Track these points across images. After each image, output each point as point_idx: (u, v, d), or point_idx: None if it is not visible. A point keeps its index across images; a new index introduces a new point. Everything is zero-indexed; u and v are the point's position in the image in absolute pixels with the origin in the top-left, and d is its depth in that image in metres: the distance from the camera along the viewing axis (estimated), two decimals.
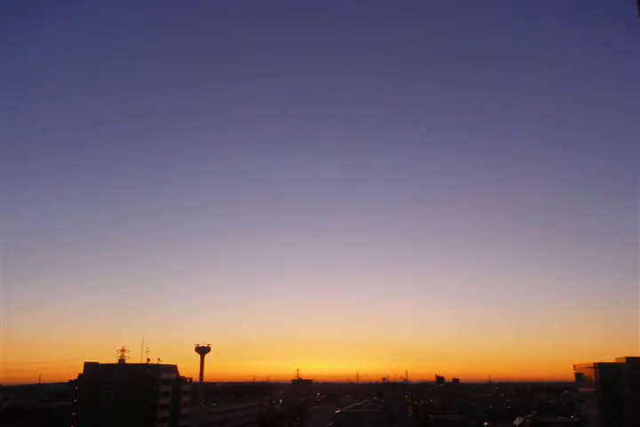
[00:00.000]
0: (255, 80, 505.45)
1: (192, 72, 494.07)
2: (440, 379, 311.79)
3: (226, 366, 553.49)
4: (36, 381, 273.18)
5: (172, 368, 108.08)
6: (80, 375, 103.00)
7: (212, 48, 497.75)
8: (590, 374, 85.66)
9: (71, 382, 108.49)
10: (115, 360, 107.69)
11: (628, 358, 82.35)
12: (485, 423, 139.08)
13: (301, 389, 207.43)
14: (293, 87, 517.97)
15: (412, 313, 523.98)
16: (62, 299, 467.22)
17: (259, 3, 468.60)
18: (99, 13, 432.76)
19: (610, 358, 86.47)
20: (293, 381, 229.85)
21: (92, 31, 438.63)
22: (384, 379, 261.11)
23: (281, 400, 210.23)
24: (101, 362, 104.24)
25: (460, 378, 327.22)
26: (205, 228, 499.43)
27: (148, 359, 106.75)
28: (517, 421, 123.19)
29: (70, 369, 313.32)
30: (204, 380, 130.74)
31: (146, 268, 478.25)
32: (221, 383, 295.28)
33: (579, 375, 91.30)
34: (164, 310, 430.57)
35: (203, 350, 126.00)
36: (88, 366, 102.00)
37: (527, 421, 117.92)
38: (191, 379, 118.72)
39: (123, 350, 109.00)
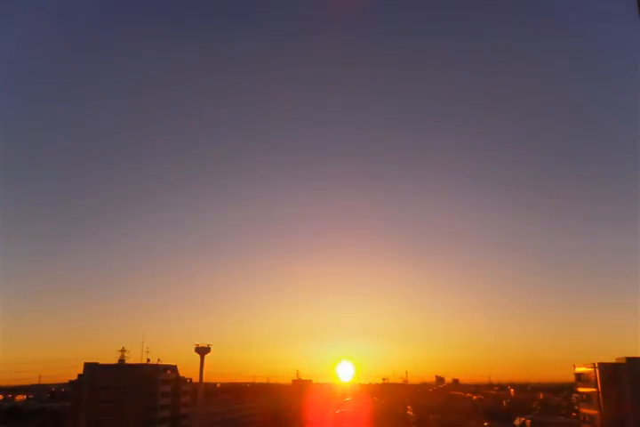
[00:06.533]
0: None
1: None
2: (440, 379, 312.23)
3: (226, 366, 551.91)
4: (36, 381, 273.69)
5: (172, 368, 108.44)
6: (80, 375, 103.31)
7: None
8: (590, 374, 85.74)
9: (71, 382, 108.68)
10: (115, 360, 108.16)
11: (627, 358, 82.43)
12: (485, 424, 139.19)
13: (301, 389, 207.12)
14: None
15: (410, 313, 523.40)
16: (62, 299, 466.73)
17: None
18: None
19: (610, 358, 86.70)
20: (293, 381, 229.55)
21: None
22: (384, 379, 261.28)
23: (281, 400, 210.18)
24: (101, 362, 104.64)
25: (460, 379, 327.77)
26: (204, 227, 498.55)
27: (148, 359, 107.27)
28: (517, 421, 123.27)
29: (70, 369, 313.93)
30: (204, 380, 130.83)
31: (146, 268, 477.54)
32: (221, 384, 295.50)
33: (579, 375, 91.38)
34: (164, 310, 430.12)
35: (203, 351, 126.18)
36: (88, 366, 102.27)
37: (527, 421, 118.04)
38: (191, 379, 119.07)
39: (123, 350, 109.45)
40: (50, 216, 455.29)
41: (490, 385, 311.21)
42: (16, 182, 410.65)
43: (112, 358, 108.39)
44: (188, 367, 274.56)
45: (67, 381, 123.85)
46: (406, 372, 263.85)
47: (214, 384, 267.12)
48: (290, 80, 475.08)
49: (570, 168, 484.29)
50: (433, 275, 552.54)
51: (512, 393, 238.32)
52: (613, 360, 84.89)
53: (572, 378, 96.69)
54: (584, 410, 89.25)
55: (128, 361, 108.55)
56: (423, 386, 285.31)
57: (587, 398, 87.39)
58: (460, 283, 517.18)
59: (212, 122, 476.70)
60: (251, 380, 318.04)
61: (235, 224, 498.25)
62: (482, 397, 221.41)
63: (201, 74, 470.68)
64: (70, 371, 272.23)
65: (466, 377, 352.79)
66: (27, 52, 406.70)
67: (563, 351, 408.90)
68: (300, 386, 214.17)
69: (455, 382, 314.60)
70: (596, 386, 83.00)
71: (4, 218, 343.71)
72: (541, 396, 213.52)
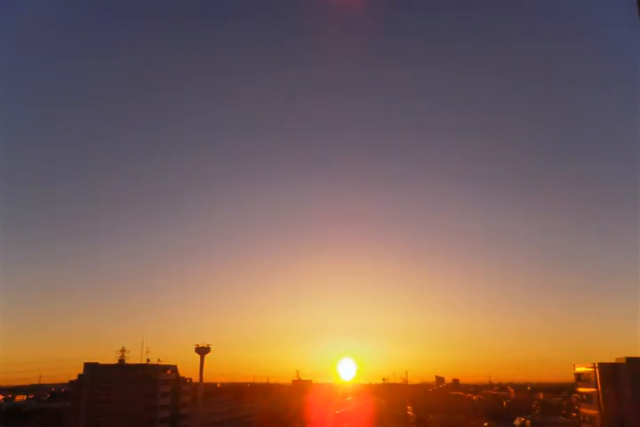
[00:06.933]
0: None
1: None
2: (440, 379, 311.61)
3: (226, 366, 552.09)
4: (36, 381, 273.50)
5: (172, 368, 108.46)
6: (80, 375, 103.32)
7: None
8: (590, 374, 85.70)
9: (71, 382, 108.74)
10: (115, 360, 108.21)
11: (627, 358, 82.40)
12: (485, 424, 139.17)
13: (301, 389, 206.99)
14: None
15: (411, 313, 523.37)
16: (62, 299, 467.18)
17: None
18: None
19: (610, 358, 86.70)
20: (293, 381, 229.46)
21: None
22: (384, 379, 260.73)
23: (281, 400, 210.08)
24: (101, 362, 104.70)
25: (460, 379, 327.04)
26: (204, 227, 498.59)
27: (148, 360, 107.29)
28: (517, 421, 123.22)
29: (70, 369, 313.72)
30: (204, 380, 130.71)
31: (146, 268, 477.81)
32: (221, 384, 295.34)
33: (579, 375, 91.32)
34: (165, 311, 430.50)
35: (203, 351, 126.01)
36: (88, 366, 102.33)
37: (527, 421, 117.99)
38: (191, 379, 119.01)
39: (123, 350, 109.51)
40: (50, 218, 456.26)
41: (490, 385, 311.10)
42: (16, 186, 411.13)
43: (112, 358, 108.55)
44: (188, 367, 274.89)
45: (67, 381, 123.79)
46: (406, 372, 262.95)
47: (214, 384, 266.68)
48: (290, 80, 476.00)
49: (571, 170, 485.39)
50: (434, 275, 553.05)
51: (512, 393, 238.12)
52: (613, 360, 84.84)
53: (572, 378, 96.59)
54: (584, 410, 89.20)
55: (128, 361, 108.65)
56: (423, 386, 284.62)
57: (587, 398, 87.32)
58: (460, 283, 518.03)
59: (211, 122, 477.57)
60: (251, 380, 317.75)
61: (235, 224, 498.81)
62: (482, 397, 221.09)
63: (200, 75, 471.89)
64: (70, 371, 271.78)
65: (466, 377, 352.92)
66: (25, 54, 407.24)
67: (563, 351, 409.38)
68: (300, 386, 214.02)
69: (455, 382, 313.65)
70: (596, 386, 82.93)
71: (6, 221, 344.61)
72: (541, 396, 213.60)
